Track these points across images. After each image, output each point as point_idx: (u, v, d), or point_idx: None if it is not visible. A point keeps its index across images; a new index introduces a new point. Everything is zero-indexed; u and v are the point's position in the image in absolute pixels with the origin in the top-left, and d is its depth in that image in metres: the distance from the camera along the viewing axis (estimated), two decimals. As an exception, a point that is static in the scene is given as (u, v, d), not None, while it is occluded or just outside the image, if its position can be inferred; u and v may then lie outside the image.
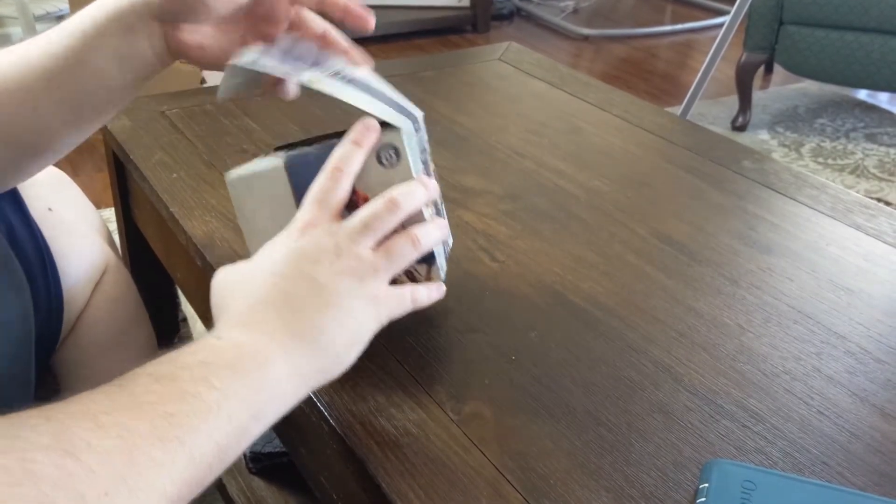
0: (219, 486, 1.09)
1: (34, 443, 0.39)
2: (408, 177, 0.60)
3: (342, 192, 0.58)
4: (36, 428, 0.40)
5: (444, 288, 0.63)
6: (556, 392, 0.63)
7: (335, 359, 0.54)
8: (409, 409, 0.61)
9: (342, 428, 0.59)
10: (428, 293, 0.61)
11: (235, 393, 0.47)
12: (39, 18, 2.65)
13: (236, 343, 0.50)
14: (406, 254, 0.58)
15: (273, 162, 0.62)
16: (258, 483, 1.06)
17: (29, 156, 0.68)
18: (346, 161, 0.58)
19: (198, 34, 0.64)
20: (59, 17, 2.79)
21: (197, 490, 0.45)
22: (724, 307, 0.74)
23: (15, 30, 2.89)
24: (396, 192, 0.58)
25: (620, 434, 0.59)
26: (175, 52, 0.65)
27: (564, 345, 0.68)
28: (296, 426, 0.69)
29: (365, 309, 0.55)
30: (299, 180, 0.61)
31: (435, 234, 0.60)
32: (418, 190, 0.59)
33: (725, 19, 2.32)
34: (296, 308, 0.52)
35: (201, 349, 0.49)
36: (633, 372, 0.65)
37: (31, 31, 2.59)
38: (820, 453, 0.59)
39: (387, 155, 0.60)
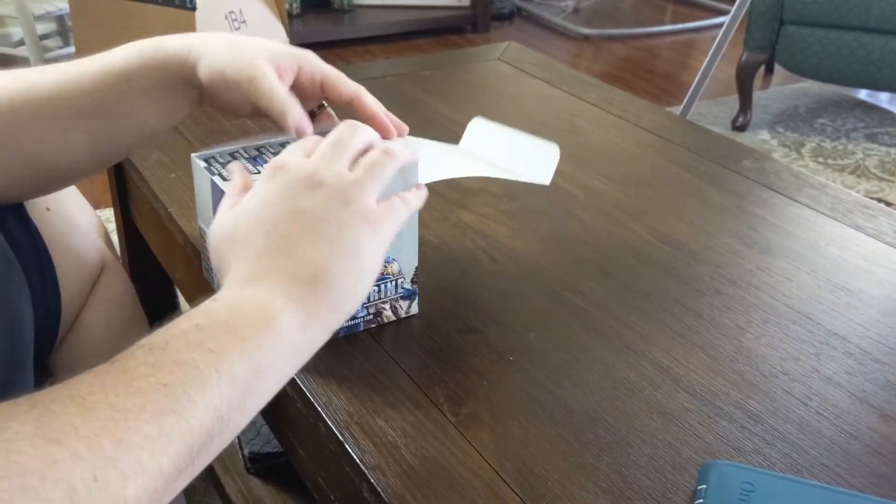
0: (217, 486, 1.09)
1: (18, 432, 0.38)
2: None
3: (312, 144, 0.57)
4: (21, 416, 0.38)
5: (425, 189, 0.62)
6: (554, 393, 0.63)
7: (345, 292, 0.51)
8: (407, 411, 0.61)
9: (339, 429, 0.59)
10: (417, 196, 0.60)
11: (234, 353, 0.45)
12: (39, 18, 2.65)
13: (233, 302, 0.48)
14: (384, 163, 0.56)
15: (201, 157, 0.71)
16: (256, 483, 1.06)
17: (50, 178, 0.71)
18: (350, 136, 0.57)
19: (228, 104, 0.68)
20: (59, 17, 2.79)
21: (201, 458, 0.43)
22: (723, 307, 0.73)
23: (15, 29, 2.89)
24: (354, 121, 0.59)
25: (619, 435, 0.59)
26: (213, 107, 0.70)
27: (563, 345, 0.68)
28: (293, 426, 0.69)
29: (360, 230, 0.52)
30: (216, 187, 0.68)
31: (404, 151, 0.58)
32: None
33: (724, 19, 2.31)
34: (289, 251, 0.50)
35: (196, 313, 0.47)
36: (631, 373, 0.65)
37: (30, 31, 2.59)
38: (819, 454, 0.58)
39: None
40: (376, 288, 0.67)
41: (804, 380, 0.65)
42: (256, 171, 0.68)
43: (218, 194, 0.65)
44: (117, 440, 0.39)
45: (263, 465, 1.06)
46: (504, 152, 0.76)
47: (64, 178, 0.72)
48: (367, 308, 0.67)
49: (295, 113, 0.62)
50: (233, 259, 0.52)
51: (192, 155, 0.71)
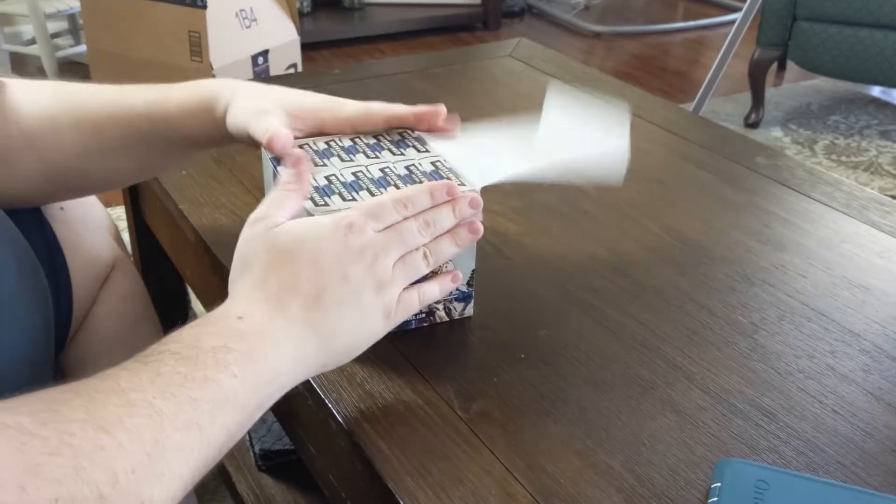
0: (227, 484, 1.08)
1: (69, 416, 0.40)
2: None
3: (391, 221, 0.59)
4: (69, 402, 0.41)
5: (459, 276, 0.65)
6: (566, 391, 0.62)
7: (338, 358, 0.57)
8: (418, 408, 0.60)
9: (350, 426, 0.59)
10: (440, 287, 0.63)
11: (250, 383, 0.49)
12: (50, 16, 2.66)
13: (258, 330, 0.51)
14: (419, 267, 0.60)
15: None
16: (267, 480, 1.06)
17: (75, 191, 0.76)
18: (413, 203, 0.59)
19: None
20: (70, 16, 2.80)
21: (204, 472, 0.46)
22: (738, 305, 0.73)
23: (26, 28, 2.90)
24: (430, 214, 0.60)
25: (632, 433, 0.58)
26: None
27: (575, 343, 0.67)
28: (303, 424, 0.68)
29: (377, 318, 0.57)
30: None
31: (448, 251, 0.61)
32: (446, 214, 0.61)
33: (737, 16, 2.30)
34: (322, 304, 0.54)
35: (224, 332, 0.50)
36: (644, 370, 0.65)
37: (42, 29, 2.60)
38: (834, 452, 0.58)
39: None
40: None
41: (819, 377, 0.65)
42: (322, 163, 0.66)
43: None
44: (154, 439, 0.42)
45: (274, 463, 1.06)
46: (574, 141, 0.76)
47: (89, 191, 0.77)
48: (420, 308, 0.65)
49: (271, 128, 0.64)
50: (273, 269, 0.54)
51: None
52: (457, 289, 0.67)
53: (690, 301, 0.73)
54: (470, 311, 0.70)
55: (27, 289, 0.63)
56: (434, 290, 0.62)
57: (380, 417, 0.59)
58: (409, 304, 0.60)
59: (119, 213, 1.63)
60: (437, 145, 0.70)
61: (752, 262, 0.79)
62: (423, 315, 0.69)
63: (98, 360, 0.83)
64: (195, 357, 0.47)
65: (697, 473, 0.55)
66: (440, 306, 0.69)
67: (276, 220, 0.56)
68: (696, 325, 0.70)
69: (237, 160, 0.95)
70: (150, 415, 0.42)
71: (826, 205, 0.90)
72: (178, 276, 1.13)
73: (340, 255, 0.55)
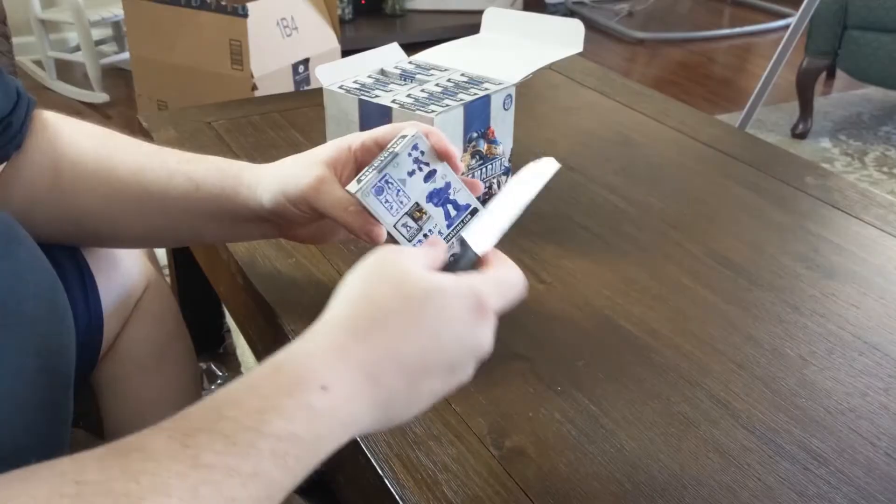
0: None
1: None
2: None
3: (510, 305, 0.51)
4: None
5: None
6: (604, 427, 0.60)
7: (380, 428, 0.49)
8: (448, 443, 0.58)
9: (378, 462, 0.57)
10: None
11: (301, 471, 0.43)
12: (95, 24, 2.68)
13: (336, 406, 0.43)
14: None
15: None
16: (298, 501, 1.04)
17: (96, 241, 0.74)
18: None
19: (306, 230, 0.69)
20: (115, 23, 2.83)
21: None
22: (785, 336, 0.70)
23: (71, 35, 2.94)
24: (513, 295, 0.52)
25: (673, 475, 0.56)
26: (291, 238, 0.70)
27: (614, 375, 0.65)
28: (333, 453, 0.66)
29: (430, 404, 0.49)
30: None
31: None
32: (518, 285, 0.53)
33: (785, 22, 2.25)
34: (416, 388, 0.46)
35: (297, 413, 0.42)
36: (687, 407, 0.62)
37: (86, 37, 2.63)
38: (888, 500, 0.54)
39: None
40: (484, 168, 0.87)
41: (872, 417, 0.61)
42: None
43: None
44: None
45: (306, 484, 1.05)
46: (526, 36, 0.94)
47: (110, 242, 0.75)
48: (484, 183, 0.84)
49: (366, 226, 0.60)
50: (381, 337, 0.46)
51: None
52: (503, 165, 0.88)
53: (735, 332, 0.70)
54: None
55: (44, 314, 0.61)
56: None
57: (408, 452, 0.57)
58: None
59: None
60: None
61: (800, 289, 0.76)
62: (486, 189, 0.86)
63: (129, 379, 0.82)
64: (249, 444, 0.40)
65: (742, 521, 0.53)
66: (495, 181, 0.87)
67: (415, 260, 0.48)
68: (741, 358, 0.67)
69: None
70: None
71: (880, 229, 0.86)
72: (213, 293, 1.13)
73: (467, 340, 0.47)
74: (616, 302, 0.74)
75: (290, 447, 0.41)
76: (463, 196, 0.62)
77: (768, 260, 0.80)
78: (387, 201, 0.58)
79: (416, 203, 0.60)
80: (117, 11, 2.68)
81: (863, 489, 0.55)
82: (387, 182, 0.58)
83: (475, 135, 0.85)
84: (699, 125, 1.10)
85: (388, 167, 0.58)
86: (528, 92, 1.22)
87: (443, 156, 0.60)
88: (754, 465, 0.57)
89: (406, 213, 0.59)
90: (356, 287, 0.47)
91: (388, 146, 0.60)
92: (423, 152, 0.60)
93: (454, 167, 0.61)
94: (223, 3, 2.07)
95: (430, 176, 0.60)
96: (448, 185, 0.61)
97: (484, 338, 0.48)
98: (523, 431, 0.59)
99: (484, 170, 0.88)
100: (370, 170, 0.58)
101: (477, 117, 0.85)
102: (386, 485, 0.55)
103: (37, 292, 0.58)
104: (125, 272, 0.79)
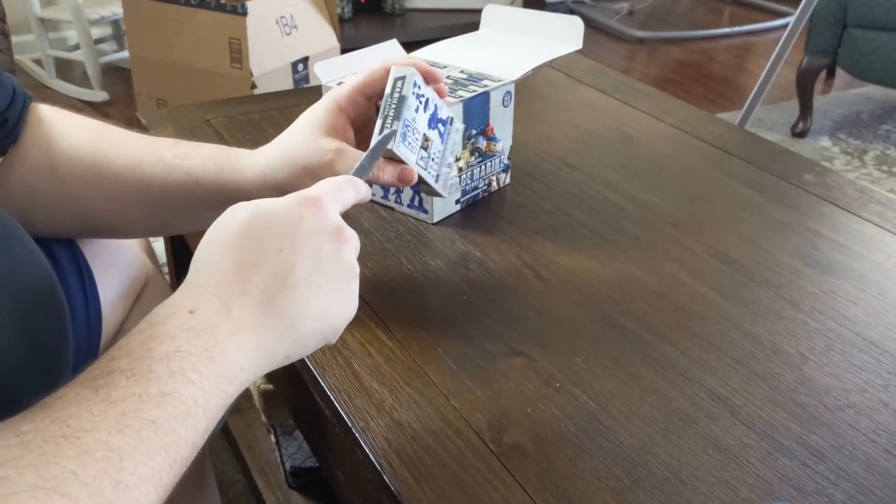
0: (258, 501, 1.07)
1: (19, 483, 0.37)
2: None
3: (351, 201, 0.56)
4: (17, 462, 0.37)
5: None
6: (603, 424, 0.60)
7: (303, 349, 0.51)
8: (447, 439, 0.58)
9: (377, 457, 0.57)
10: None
11: (210, 385, 0.45)
12: (94, 22, 2.68)
13: (212, 323, 0.46)
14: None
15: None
16: (297, 498, 1.04)
17: (98, 233, 0.74)
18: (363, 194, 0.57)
19: None
20: (114, 22, 2.82)
21: (172, 487, 0.43)
22: (784, 333, 0.70)
23: (70, 33, 2.93)
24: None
25: (672, 472, 0.56)
26: None
27: (613, 372, 0.65)
28: (331, 449, 0.66)
29: (346, 307, 0.52)
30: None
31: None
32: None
33: (784, 21, 2.25)
34: (288, 284, 0.49)
35: (175, 332, 0.45)
36: (686, 403, 0.62)
37: (86, 35, 2.62)
38: (887, 496, 0.54)
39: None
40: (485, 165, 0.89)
41: (871, 413, 0.61)
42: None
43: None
44: (115, 483, 0.39)
45: (305, 480, 1.05)
46: (526, 33, 0.95)
47: (110, 235, 0.75)
48: (483, 180, 0.89)
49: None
50: (230, 259, 0.49)
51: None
52: (503, 162, 0.91)
53: (734, 328, 0.70)
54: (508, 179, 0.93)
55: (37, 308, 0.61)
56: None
57: (407, 449, 0.57)
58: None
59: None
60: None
61: (799, 286, 0.76)
62: (486, 186, 0.89)
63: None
64: (147, 370, 0.43)
65: (741, 517, 0.52)
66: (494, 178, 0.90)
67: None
68: (740, 355, 0.67)
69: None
70: (107, 458, 0.39)
71: (878, 226, 0.86)
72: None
73: (311, 231, 0.50)
74: (615, 299, 0.74)
75: (184, 363, 0.44)
76: (444, 112, 0.67)
77: (767, 257, 0.80)
78: (409, 143, 0.62)
79: (424, 134, 0.64)
80: (116, 10, 2.68)
81: (862, 485, 0.55)
82: (406, 126, 0.62)
83: (474, 132, 0.85)
84: (698, 123, 1.10)
85: (404, 112, 0.61)
86: (528, 89, 1.22)
87: (431, 80, 0.65)
88: (753, 461, 0.57)
89: (420, 147, 0.63)
90: (208, 240, 0.51)
91: (389, 90, 0.62)
92: (419, 86, 0.64)
93: (441, 91, 0.67)
94: (223, 1, 2.07)
95: (427, 106, 0.64)
96: (436, 106, 0.66)
97: (333, 222, 0.51)
98: (522, 427, 0.59)
99: (483, 167, 0.88)
100: (390, 119, 0.61)
101: (476, 114, 0.85)
102: (384, 480, 0.55)
103: (32, 289, 0.58)
104: (124, 269, 0.78)
